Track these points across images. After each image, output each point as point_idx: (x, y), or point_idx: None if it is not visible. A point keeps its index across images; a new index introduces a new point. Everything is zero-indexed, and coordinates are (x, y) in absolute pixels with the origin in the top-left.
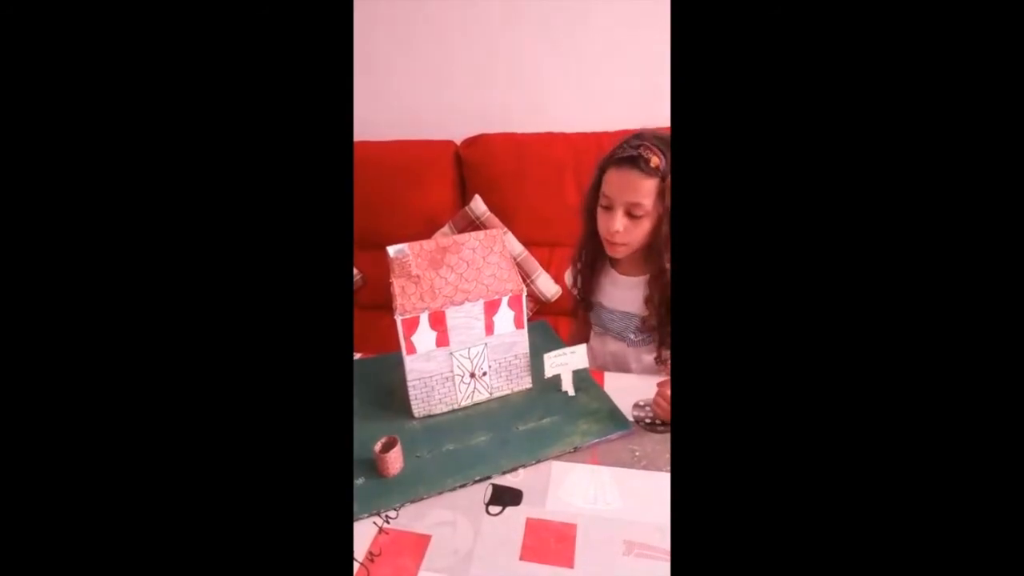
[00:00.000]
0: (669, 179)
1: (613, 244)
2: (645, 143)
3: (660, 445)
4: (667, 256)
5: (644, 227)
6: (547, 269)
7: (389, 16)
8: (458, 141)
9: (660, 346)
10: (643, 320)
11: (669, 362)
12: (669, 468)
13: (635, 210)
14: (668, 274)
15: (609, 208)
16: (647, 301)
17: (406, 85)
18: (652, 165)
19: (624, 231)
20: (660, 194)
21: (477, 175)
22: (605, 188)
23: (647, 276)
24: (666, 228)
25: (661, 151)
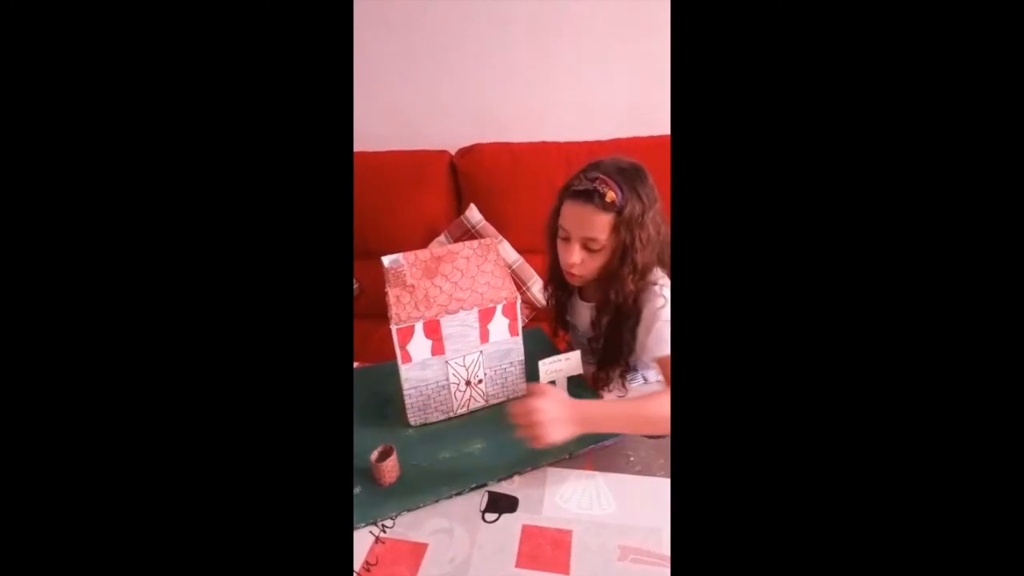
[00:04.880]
0: (627, 212)
1: (571, 275)
2: (601, 176)
3: (655, 450)
4: (615, 289)
5: (601, 260)
6: (542, 277)
7: (385, 27)
8: (453, 151)
9: (597, 368)
10: (589, 341)
11: (600, 382)
12: (664, 473)
13: (591, 244)
14: (612, 305)
15: (567, 240)
16: (593, 324)
17: (401, 96)
18: (608, 200)
19: (581, 263)
20: (615, 228)
21: (472, 184)
22: (562, 220)
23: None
24: (615, 262)
25: (618, 184)
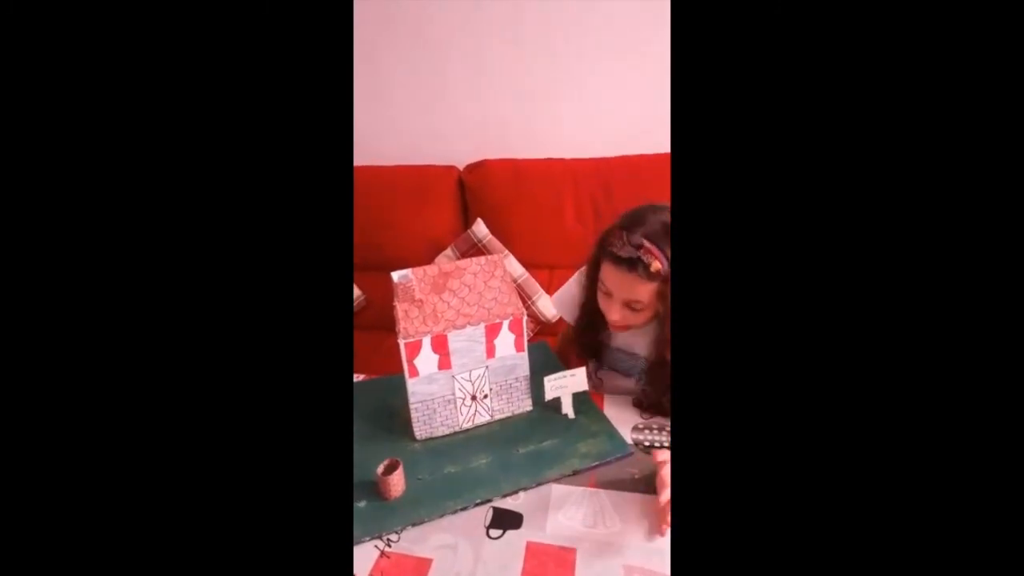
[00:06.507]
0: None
1: (614, 326)
2: (645, 245)
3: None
4: (668, 350)
5: (645, 316)
6: (547, 290)
7: (396, 45)
8: (461, 166)
9: (653, 394)
10: (644, 393)
11: (654, 409)
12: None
13: (634, 305)
14: (669, 362)
15: (608, 295)
16: (647, 372)
17: (412, 113)
18: (652, 270)
19: (623, 319)
20: (660, 295)
21: (479, 199)
22: (603, 277)
23: (651, 324)
24: (667, 329)
25: (663, 251)
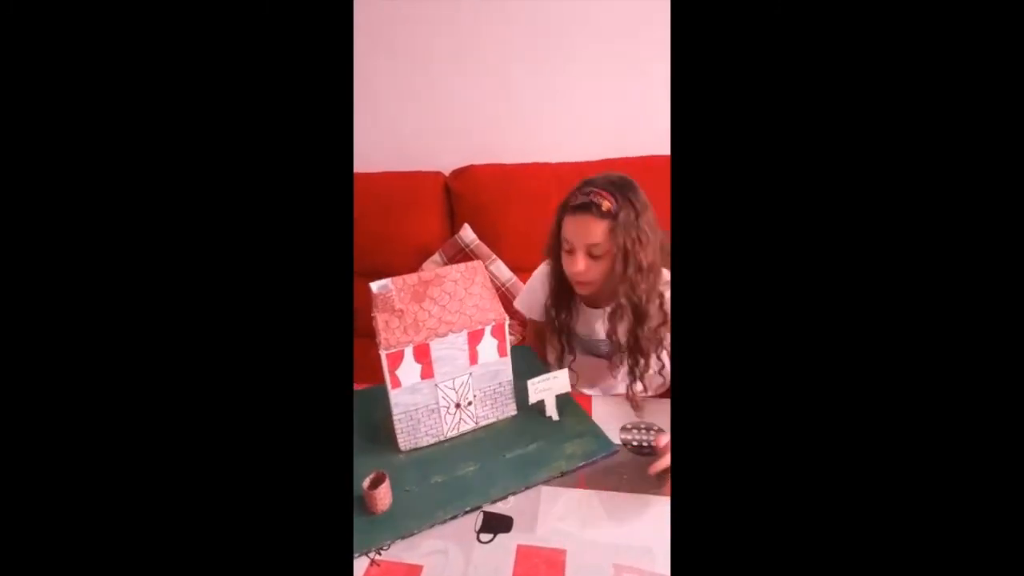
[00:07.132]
0: (622, 217)
1: (579, 283)
2: (595, 189)
3: (647, 467)
4: (624, 291)
5: (605, 265)
6: None
7: (382, 51)
8: (447, 172)
9: (631, 383)
10: (610, 355)
11: (642, 396)
12: (655, 491)
13: (594, 250)
14: (626, 308)
15: (571, 251)
16: (609, 335)
17: (397, 119)
18: (604, 209)
19: (587, 270)
20: (613, 232)
21: (466, 205)
22: (565, 233)
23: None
24: (619, 266)
25: (611, 194)
